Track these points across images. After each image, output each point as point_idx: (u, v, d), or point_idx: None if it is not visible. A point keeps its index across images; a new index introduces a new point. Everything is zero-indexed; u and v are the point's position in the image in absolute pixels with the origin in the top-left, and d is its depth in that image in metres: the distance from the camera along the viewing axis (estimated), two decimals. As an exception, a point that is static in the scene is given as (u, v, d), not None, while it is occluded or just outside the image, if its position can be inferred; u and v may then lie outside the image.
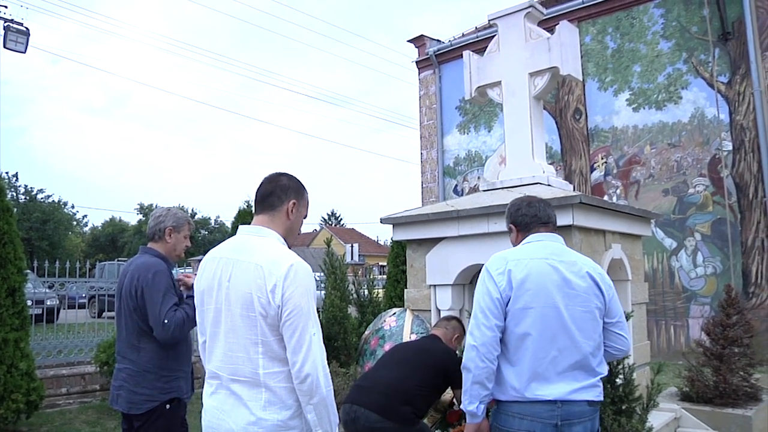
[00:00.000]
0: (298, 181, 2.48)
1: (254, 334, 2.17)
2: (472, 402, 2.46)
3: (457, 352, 3.50)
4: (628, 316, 3.72)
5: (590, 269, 2.55)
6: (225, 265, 2.29)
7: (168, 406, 3.13)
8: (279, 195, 2.38)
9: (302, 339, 2.13)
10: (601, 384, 2.50)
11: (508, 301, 2.43)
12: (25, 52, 12.78)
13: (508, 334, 2.45)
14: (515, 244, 2.75)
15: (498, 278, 2.47)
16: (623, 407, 3.54)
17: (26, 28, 12.72)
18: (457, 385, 2.92)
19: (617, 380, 3.58)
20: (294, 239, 2.47)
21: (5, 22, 12.68)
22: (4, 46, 12.61)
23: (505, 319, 2.44)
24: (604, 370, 2.53)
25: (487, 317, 2.42)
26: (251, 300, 2.16)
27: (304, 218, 2.51)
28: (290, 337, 2.14)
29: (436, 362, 3.29)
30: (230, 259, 2.29)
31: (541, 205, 2.74)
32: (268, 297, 2.14)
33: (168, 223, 3.36)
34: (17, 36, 12.60)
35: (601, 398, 2.50)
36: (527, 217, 2.72)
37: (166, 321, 3.08)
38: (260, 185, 2.43)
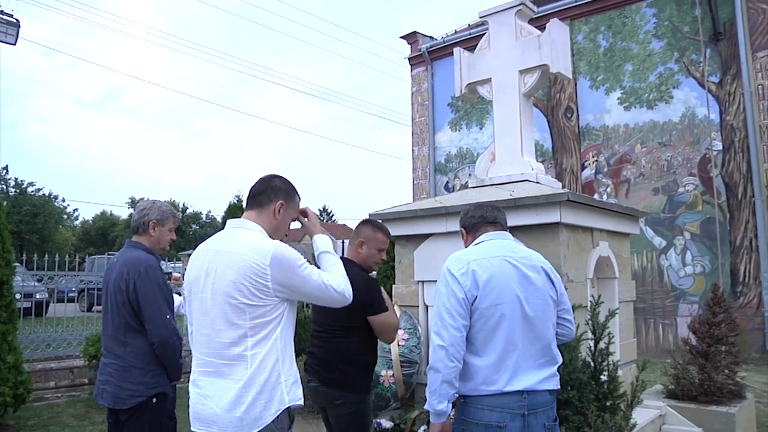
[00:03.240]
0: (291, 184, 2.60)
1: (241, 320, 2.29)
2: (441, 401, 2.47)
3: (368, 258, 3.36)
4: (612, 314, 3.76)
5: (542, 263, 2.69)
6: (212, 256, 2.41)
7: (155, 400, 3.12)
8: (269, 194, 2.51)
9: (317, 285, 2.35)
10: (558, 374, 2.63)
11: (474, 300, 2.50)
12: (15, 44, 12.68)
13: (476, 331, 2.51)
14: (466, 245, 2.84)
15: (462, 278, 2.52)
16: (608, 404, 3.56)
17: (16, 19, 12.62)
18: (373, 310, 3.10)
19: (602, 377, 3.60)
20: (279, 237, 2.54)
21: (-5, 13, 12.58)
22: (-6, 38, 12.52)
23: (470, 318, 2.51)
24: (560, 356, 2.66)
25: (454, 318, 2.47)
26: (237, 287, 2.28)
27: (293, 220, 2.63)
28: (312, 294, 2.38)
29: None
30: (217, 251, 2.41)
31: (488, 208, 2.87)
32: (254, 282, 2.27)
33: (152, 216, 3.35)
34: (7, 27, 12.50)
35: (559, 387, 2.62)
36: (474, 219, 2.84)
37: (168, 316, 3.14)
38: (254, 184, 2.57)
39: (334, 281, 2.41)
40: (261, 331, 2.31)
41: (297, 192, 2.61)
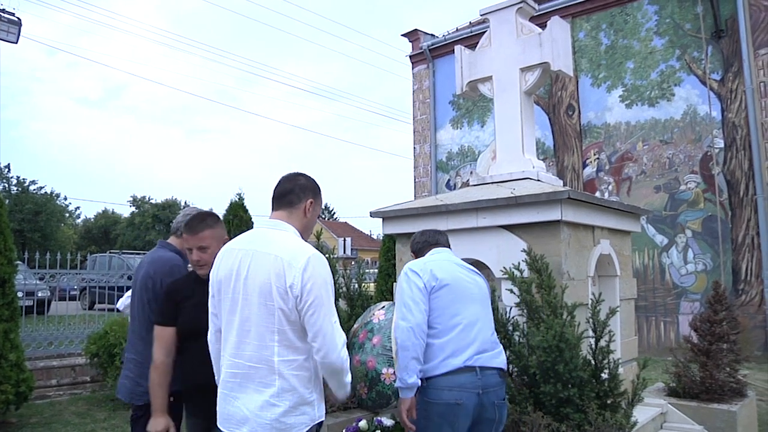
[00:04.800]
0: (315, 181, 2.61)
1: (271, 323, 2.27)
2: (411, 375, 2.77)
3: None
4: (613, 312, 3.75)
5: (479, 273, 3.19)
6: (243, 256, 2.38)
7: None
8: (298, 193, 2.51)
9: (324, 326, 2.27)
10: (504, 359, 2.99)
11: (432, 289, 2.89)
12: (16, 43, 12.69)
13: (436, 316, 2.88)
14: None
15: (422, 273, 2.92)
16: (608, 402, 3.57)
17: (18, 18, 12.64)
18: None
19: (603, 375, 3.60)
20: (308, 236, 2.56)
21: (-3, 12, 12.60)
22: (-4, 36, 12.53)
23: (429, 304, 2.89)
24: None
25: (417, 303, 2.85)
26: (270, 289, 2.27)
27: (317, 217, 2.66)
28: (312, 325, 2.27)
29: None
30: (248, 251, 2.38)
31: (431, 233, 3.34)
32: (286, 287, 2.25)
33: None
34: (9, 26, 12.51)
35: (506, 367, 2.98)
36: (420, 243, 3.31)
37: None
38: (279, 183, 2.56)
39: (341, 337, 2.34)
40: (292, 339, 2.29)
41: (320, 188, 2.62)
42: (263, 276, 2.28)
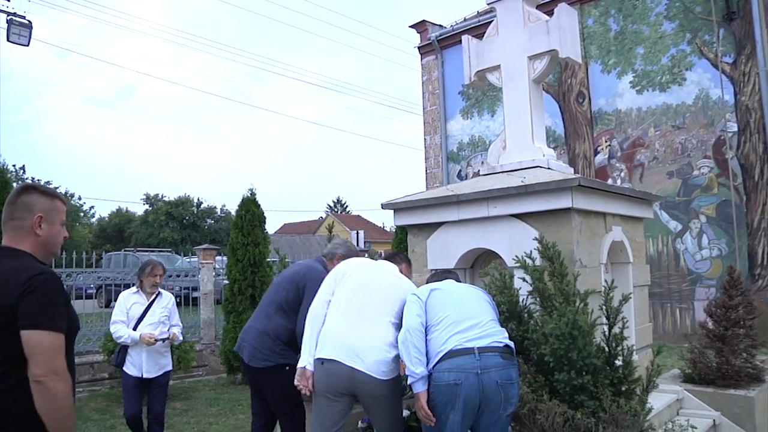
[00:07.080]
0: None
1: (390, 306, 3.43)
2: (415, 365, 3.07)
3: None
4: (626, 299, 3.73)
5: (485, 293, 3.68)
6: (373, 264, 3.73)
7: (287, 368, 3.80)
8: (397, 260, 3.93)
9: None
10: (509, 342, 3.19)
11: (427, 298, 3.36)
12: (28, 45, 12.82)
13: (431, 317, 3.26)
14: None
15: (419, 291, 3.46)
16: (623, 389, 3.55)
17: (29, 21, 12.76)
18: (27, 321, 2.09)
19: (616, 362, 3.59)
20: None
21: (8, 15, 12.72)
22: (8, 40, 12.66)
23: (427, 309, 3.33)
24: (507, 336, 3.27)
25: (410, 312, 3.29)
26: (394, 287, 3.53)
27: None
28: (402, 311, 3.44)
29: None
30: (376, 264, 3.74)
31: (439, 273, 3.94)
32: (404, 291, 3.51)
33: (339, 251, 4.24)
34: (20, 29, 12.64)
35: (512, 346, 3.17)
36: (431, 279, 3.84)
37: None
38: (386, 256, 4.04)
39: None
40: (397, 320, 3.36)
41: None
42: (390, 280, 3.57)
